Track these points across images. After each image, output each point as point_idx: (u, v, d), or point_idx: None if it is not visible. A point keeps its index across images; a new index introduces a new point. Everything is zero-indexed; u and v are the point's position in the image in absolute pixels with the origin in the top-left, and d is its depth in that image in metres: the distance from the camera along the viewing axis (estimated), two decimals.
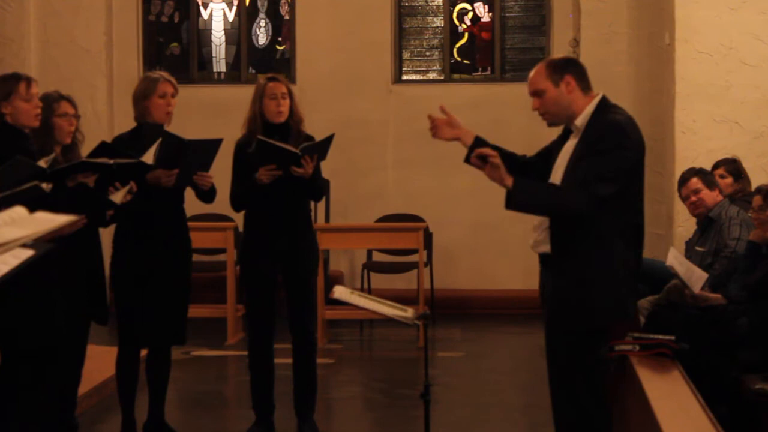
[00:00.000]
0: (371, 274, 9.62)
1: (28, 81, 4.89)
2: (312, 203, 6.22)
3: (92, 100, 9.93)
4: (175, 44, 10.97)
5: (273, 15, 10.90)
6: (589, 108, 4.13)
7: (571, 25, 9.93)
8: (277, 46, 10.93)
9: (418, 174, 10.19)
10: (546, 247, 4.16)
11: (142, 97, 5.44)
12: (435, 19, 10.74)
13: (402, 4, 10.70)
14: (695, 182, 6.52)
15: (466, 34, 10.71)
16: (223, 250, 9.01)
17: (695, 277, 5.58)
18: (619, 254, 4.10)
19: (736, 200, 6.67)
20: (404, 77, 10.71)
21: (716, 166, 7.12)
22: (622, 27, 9.72)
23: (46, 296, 4.80)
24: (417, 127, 10.22)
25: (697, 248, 6.46)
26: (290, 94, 5.70)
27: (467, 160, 4.30)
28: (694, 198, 6.52)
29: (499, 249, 9.74)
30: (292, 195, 5.67)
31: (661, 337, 4.69)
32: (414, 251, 8.88)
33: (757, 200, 5.60)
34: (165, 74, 5.56)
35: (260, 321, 5.79)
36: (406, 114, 10.32)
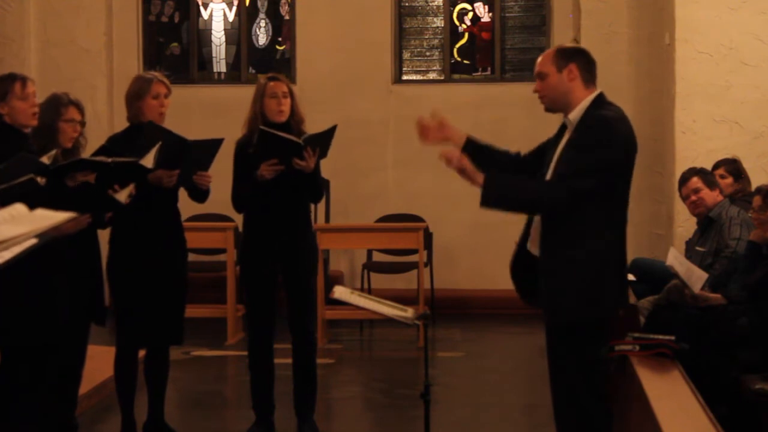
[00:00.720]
0: (371, 274, 9.62)
1: (24, 80, 4.90)
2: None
3: (92, 100, 9.91)
4: (175, 44, 10.97)
5: (273, 15, 10.90)
6: (584, 103, 4.13)
7: (571, 25, 9.92)
8: (277, 46, 10.93)
9: (418, 174, 10.18)
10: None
11: (136, 97, 5.44)
12: (435, 19, 10.74)
13: (402, 4, 10.70)
14: (695, 182, 6.53)
15: (466, 34, 10.71)
16: (223, 250, 9.01)
17: (695, 277, 5.58)
18: (608, 249, 4.10)
19: (736, 200, 6.68)
20: (404, 77, 10.71)
21: (716, 166, 7.13)
22: (622, 27, 9.72)
23: (47, 296, 4.81)
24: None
25: (697, 248, 6.47)
26: (291, 93, 5.70)
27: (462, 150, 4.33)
28: (694, 197, 6.52)
29: (499, 249, 9.68)
30: (293, 194, 5.66)
31: (661, 337, 4.70)
32: (414, 251, 8.88)
33: (757, 200, 5.60)
34: (158, 74, 5.56)
35: (260, 321, 5.79)
36: (406, 114, 10.29)
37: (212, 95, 10.46)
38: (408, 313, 4.55)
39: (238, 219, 6.26)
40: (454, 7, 10.69)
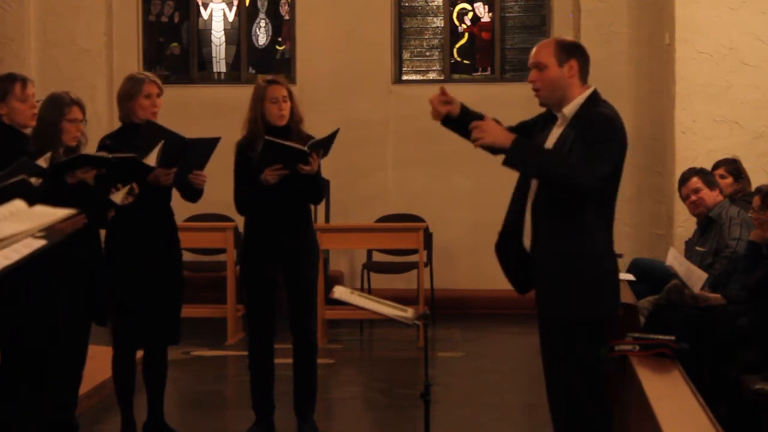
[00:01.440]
0: (371, 274, 9.62)
1: (24, 81, 4.91)
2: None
3: (92, 100, 9.91)
4: (175, 44, 10.97)
5: (273, 15, 10.90)
6: (580, 98, 4.10)
7: (571, 25, 9.92)
8: (277, 46, 10.93)
9: (418, 174, 10.19)
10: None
11: (128, 97, 5.44)
12: (435, 19, 10.74)
13: (402, 4, 10.70)
14: (695, 182, 6.53)
15: (466, 34, 10.71)
16: (223, 250, 9.01)
17: (695, 277, 5.58)
18: (603, 248, 4.11)
19: (736, 200, 6.68)
20: (404, 77, 10.71)
21: (716, 166, 7.13)
22: (622, 27, 9.73)
23: (47, 296, 4.81)
24: (417, 127, 10.25)
25: (697, 248, 6.47)
26: (290, 95, 5.70)
27: (444, 122, 4.38)
28: (694, 197, 6.52)
29: None
30: (294, 195, 5.66)
31: (661, 337, 4.69)
32: (414, 251, 8.88)
33: (756, 200, 5.60)
34: (150, 75, 5.57)
35: (260, 321, 5.79)
36: (406, 114, 10.32)
37: (212, 95, 10.46)
38: (408, 313, 4.55)
39: (238, 219, 6.26)
40: (454, 7, 10.69)
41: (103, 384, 6.47)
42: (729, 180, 6.95)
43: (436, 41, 10.72)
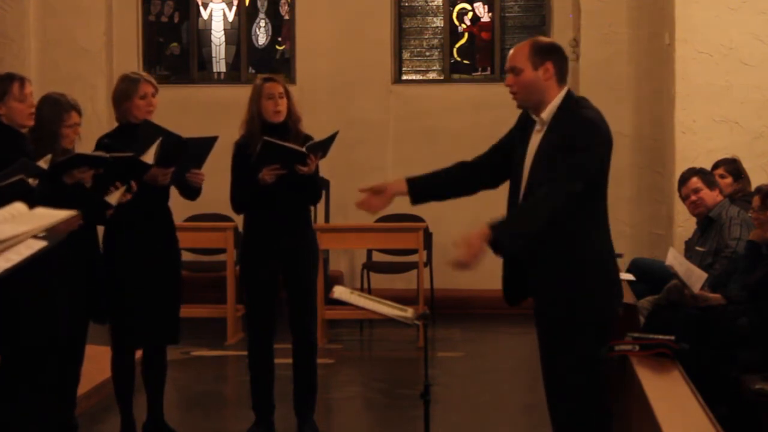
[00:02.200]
0: (371, 274, 9.62)
1: (22, 81, 4.92)
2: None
3: (92, 100, 9.92)
4: (175, 44, 10.97)
5: (273, 15, 10.90)
6: (555, 101, 4.07)
7: (571, 25, 9.92)
8: (277, 46, 10.93)
9: (418, 174, 10.17)
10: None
11: (124, 98, 5.44)
12: (435, 19, 10.74)
13: (402, 4, 10.70)
14: (695, 182, 6.53)
15: (466, 34, 10.71)
16: (223, 250, 9.00)
17: (695, 277, 5.58)
18: (600, 248, 4.10)
19: (736, 200, 6.67)
20: (404, 77, 10.71)
21: (716, 166, 7.12)
22: (622, 27, 9.72)
23: (47, 296, 4.81)
24: (417, 127, 10.27)
25: (697, 248, 6.46)
26: (287, 93, 5.70)
27: (413, 203, 4.43)
28: (694, 197, 6.52)
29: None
30: (293, 195, 5.66)
31: (661, 337, 4.69)
32: (414, 251, 8.88)
33: (756, 200, 5.59)
34: (144, 74, 5.59)
35: (260, 321, 5.79)
36: (406, 114, 10.32)
37: (212, 95, 10.46)
38: (408, 313, 4.54)
39: (238, 219, 6.26)
40: (454, 7, 10.69)
41: (102, 384, 6.46)
42: (729, 180, 6.95)
43: (436, 41, 10.72)
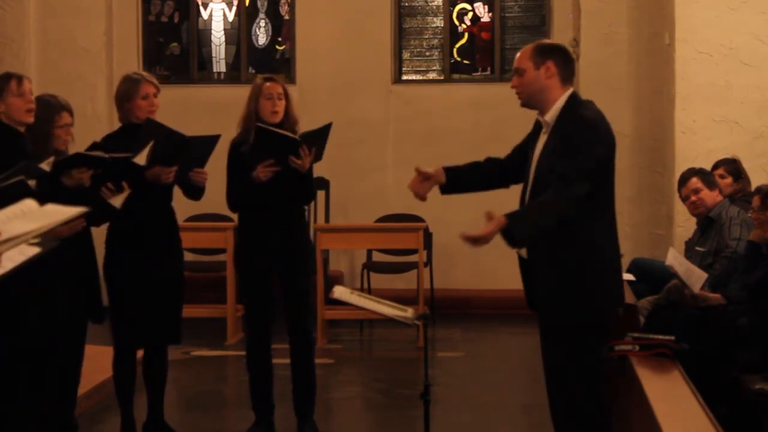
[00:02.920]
0: (371, 274, 9.62)
1: (19, 78, 4.97)
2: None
3: (92, 100, 9.92)
4: (175, 44, 10.97)
5: (273, 15, 10.90)
6: (559, 103, 4.11)
7: (571, 25, 9.92)
8: (277, 46, 10.93)
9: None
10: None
11: (125, 98, 5.44)
12: (435, 19, 10.73)
13: (402, 4, 10.69)
14: (695, 182, 6.53)
15: (466, 34, 10.71)
16: (223, 250, 9.01)
17: (695, 277, 5.58)
18: (603, 248, 4.11)
19: (736, 200, 6.68)
20: (404, 77, 10.71)
21: (716, 166, 7.12)
22: (622, 27, 9.72)
23: (47, 296, 4.81)
24: (417, 127, 10.27)
25: (697, 248, 6.47)
26: (286, 95, 5.71)
27: (443, 192, 4.49)
28: (694, 198, 6.52)
29: (499, 249, 9.71)
30: (287, 193, 5.66)
31: (661, 337, 4.69)
32: (414, 251, 8.87)
33: (756, 200, 5.59)
34: (146, 74, 5.58)
35: (257, 321, 5.79)
36: (406, 114, 10.32)
37: (212, 95, 10.46)
38: (408, 313, 4.55)
39: (237, 219, 6.26)
40: (454, 7, 10.69)
41: (103, 384, 6.47)
42: (729, 180, 6.95)
43: (436, 41, 10.72)
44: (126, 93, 5.44)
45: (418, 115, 10.28)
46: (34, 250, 2.69)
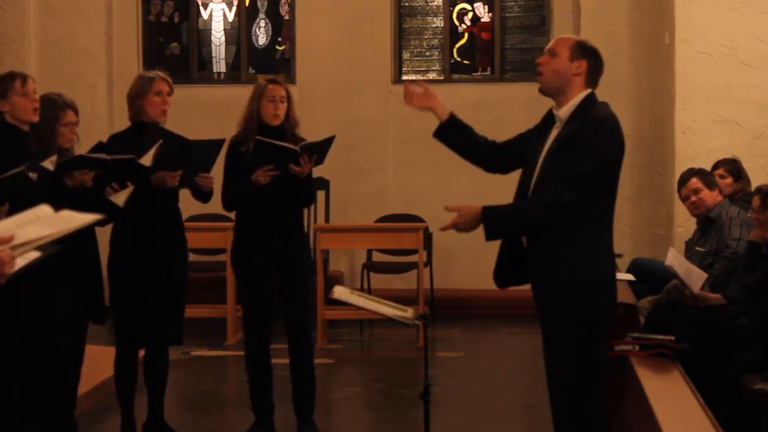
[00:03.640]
0: (371, 274, 9.62)
1: (24, 78, 4.96)
2: None
3: (92, 100, 9.92)
4: (175, 44, 10.97)
5: (273, 15, 10.90)
6: (575, 100, 4.13)
7: (571, 25, 9.92)
8: (277, 46, 10.93)
9: (418, 174, 10.18)
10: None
11: (138, 95, 5.43)
12: (435, 19, 10.74)
13: (402, 4, 10.70)
14: (695, 182, 6.53)
15: (466, 34, 10.71)
16: (223, 250, 9.00)
17: (695, 277, 5.58)
18: (603, 247, 4.12)
19: (736, 200, 6.67)
20: (404, 77, 10.70)
21: (716, 166, 7.12)
22: (622, 27, 9.72)
23: (47, 297, 4.80)
24: (417, 128, 10.20)
25: (697, 248, 6.47)
26: (289, 98, 5.70)
27: (436, 134, 4.45)
28: (694, 198, 6.52)
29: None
30: (285, 195, 5.65)
31: (661, 337, 4.69)
32: (414, 251, 8.87)
33: (756, 201, 5.59)
34: (160, 73, 5.56)
35: (256, 321, 5.79)
36: (406, 114, 10.22)
37: (212, 95, 10.46)
38: (408, 313, 4.55)
39: (235, 220, 6.26)
40: (454, 7, 10.69)
41: (103, 384, 6.47)
42: (729, 180, 6.95)
43: (436, 41, 10.72)
44: (139, 90, 5.43)
45: (418, 115, 10.15)
46: (35, 254, 2.69)
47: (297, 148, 5.49)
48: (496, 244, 4.33)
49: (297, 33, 10.55)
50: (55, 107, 5.28)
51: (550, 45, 4.25)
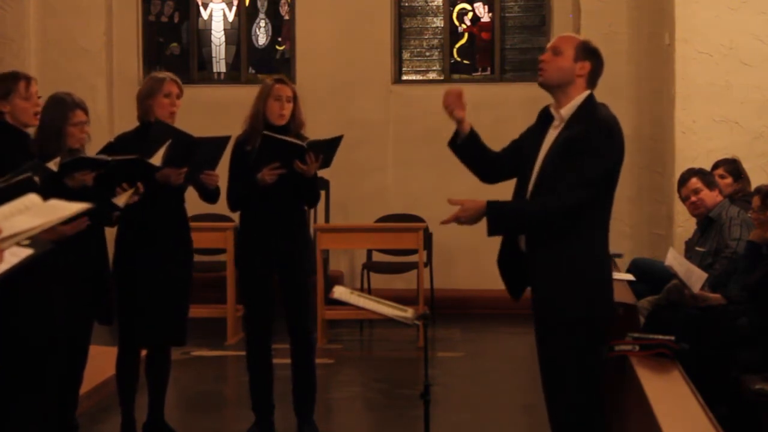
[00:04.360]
0: (371, 274, 9.62)
1: (28, 80, 4.91)
2: None
3: (92, 101, 9.85)
4: (175, 44, 10.97)
5: (273, 15, 10.90)
6: (577, 101, 4.14)
7: (571, 25, 9.92)
8: (277, 46, 10.93)
9: (418, 174, 10.19)
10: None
11: (147, 95, 5.45)
12: (435, 19, 10.74)
13: (402, 4, 10.70)
14: (695, 182, 6.53)
15: (466, 34, 10.71)
16: (223, 250, 9.01)
17: (695, 277, 5.58)
18: (601, 248, 4.13)
19: (735, 200, 6.68)
20: (404, 77, 10.71)
21: (716, 166, 7.13)
22: (622, 27, 9.72)
23: (46, 295, 4.80)
24: (417, 127, 10.25)
25: (697, 248, 6.47)
26: (295, 98, 5.70)
27: (451, 144, 4.43)
28: (694, 198, 6.52)
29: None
30: (290, 195, 5.65)
31: (661, 337, 4.69)
32: (414, 251, 8.87)
33: (756, 201, 5.60)
34: (171, 75, 5.57)
35: (257, 321, 5.79)
36: (406, 114, 10.32)
37: (212, 95, 10.46)
38: (408, 313, 4.55)
39: (239, 219, 6.26)
40: (454, 7, 10.69)
41: (103, 384, 6.47)
42: (729, 180, 6.95)
43: (436, 41, 10.72)
44: (149, 90, 5.44)
45: (418, 115, 10.27)
46: (27, 252, 2.64)
47: (304, 144, 5.49)
48: (496, 245, 4.33)
49: (297, 33, 10.55)
50: (64, 107, 5.26)
51: (553, 43, 4.24)
